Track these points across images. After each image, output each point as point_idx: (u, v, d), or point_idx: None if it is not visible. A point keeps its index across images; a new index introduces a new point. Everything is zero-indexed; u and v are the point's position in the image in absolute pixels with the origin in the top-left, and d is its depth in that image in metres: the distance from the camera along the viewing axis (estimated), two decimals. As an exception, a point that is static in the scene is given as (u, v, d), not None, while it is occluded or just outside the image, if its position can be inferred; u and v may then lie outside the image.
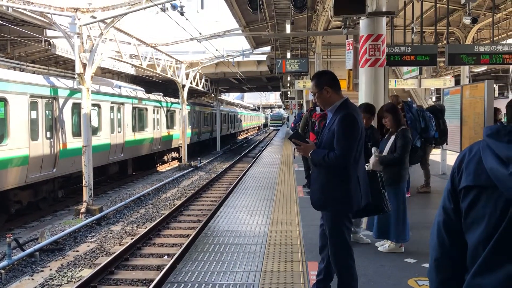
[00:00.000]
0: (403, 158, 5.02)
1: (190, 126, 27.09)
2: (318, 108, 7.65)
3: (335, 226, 3.45)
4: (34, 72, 16.37)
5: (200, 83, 27.84)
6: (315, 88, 3.56)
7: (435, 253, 1.28)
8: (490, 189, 1.11)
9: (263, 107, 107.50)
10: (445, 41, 13.90)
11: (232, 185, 15.54)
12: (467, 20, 10.63)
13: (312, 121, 8.30)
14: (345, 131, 3.31)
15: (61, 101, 13.04)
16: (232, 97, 69.90)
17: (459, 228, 1.21)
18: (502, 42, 15.51)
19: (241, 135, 59.44)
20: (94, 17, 12.05)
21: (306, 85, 19.90)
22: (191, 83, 24.44)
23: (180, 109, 24.06)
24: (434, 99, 28.21)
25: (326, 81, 3.53)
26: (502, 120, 8.82)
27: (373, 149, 5.16)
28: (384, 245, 5.35)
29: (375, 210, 4.02)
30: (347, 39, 9.52)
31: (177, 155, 26.10)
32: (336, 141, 3.32)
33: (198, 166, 22.83)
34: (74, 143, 13.47)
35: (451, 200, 1.23)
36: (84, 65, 11.96)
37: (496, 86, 24.51)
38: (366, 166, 3.97)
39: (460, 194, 1.19)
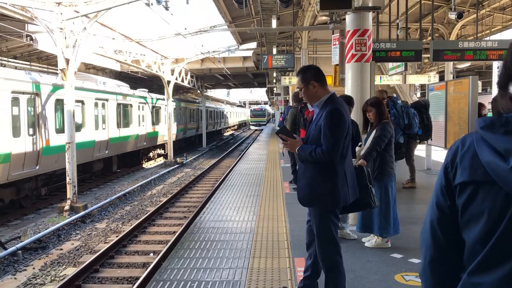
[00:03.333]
0: (374, 150, 4.97)
1: (175, 123, 26.92)
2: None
3: (322, 222, 3.42)
4: (16, 68, 16.08)
5: (186, 79, 27.68)
6: (301, 83, 3.51)
7: (429, 253, 1.22)
8: (487, 184, 1.06)
9: (249, 104, 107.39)
10: (429, 37, 13.98)
11: (219, 182, 15.47)
12: (452, 15, 10.70)
13: (304, 117, 8.24)
14: (331, 126, 3.27)
15: (43, 97, 12.81)
16: (218, 93, 69.56)
17: (455, 225, 1.16)
18: (485, 39, 15.67)
19: (227, 131, 59.31)
20: (77, 12, 11.84)
21: (292, 81, 19.91)
22: (176, 79, 24.27)
23: (166, 105, 23.88)
24: (418, 95, 28.43)
25: (312, 75, 3.49)
26: (487, 115, 8.89)
27: (357, 148, 5.16)
28: (370, 241, 5.36)
29: (363, 206, 4.01)
30: (333, 34, 9.49)
31: (162, 151, 25.93)
32: (323, 137, 3.28)
33: (184, 162, 22.70)
34: (57, 140, 13.27)
35: (447, 196, 1.17)
36: (67, 61, 11.76)
37: (479, 82, 24.80)
38: (353, 161, 3.95)
39: (456, 190, 1.14)
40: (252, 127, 64.61)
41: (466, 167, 1.11)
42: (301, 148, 3.42)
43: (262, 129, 53.38)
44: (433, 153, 11.62)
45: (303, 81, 3.49)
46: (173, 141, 24.23)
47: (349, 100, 5.46)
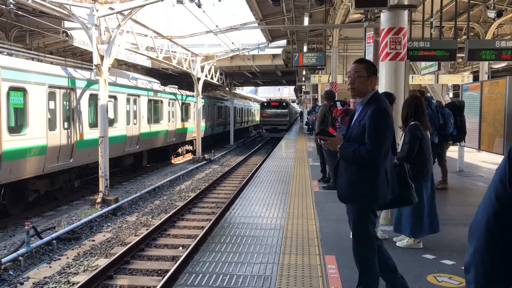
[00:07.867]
0: (410, 155, 4.89)
1: (204, 119, 27.17)
2: (339, 103, 7.58)
3: (360, 219, 3.42)
4: (52, 63, 16.52)
5: (215, 76, 27.86)
6: (364, 72, 3.42)
7: (480, 248, 1.17)
8: None
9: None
10: (464, 37, 13.68)
11: (246, 179, 15.56)
12: (491, 14, 10.44)
13: (333, 116, 8.23)
14: (377, 126, 3.26)
15: (78, 92, 13.15)
16: (246, 91, 69.54)
17: None
18: (523, 38, 15.22)
19: (255, 129, 59.32)
20: (112, 9, 12.10)
21: (321, 79, 19.79)
22: (206, 76, 24.46)
23: (195, 102, 24.12)
24: (451, 95, 27.87)
25: (375, 70, 3.50)
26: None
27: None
28: (402, 241, 5.30)
29: (402, 202, 3.97)
30: (366, 32, 9.42)
31: (191, 147, 26.22)
32: (368, 136, 3.27)
33: (212, 159, 22.90)
34: (90, 134, 13.60)
35: (509, 188, 1.12)
36: (102, 57, 12.03)
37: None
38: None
39: None
40: (265, 132, 37.34)
41: None
42: (343, 146, 3.41)
43: (281, 136, 31.43)
44: (465, 155, 11.38)
45: (368, 71, 3.44)
46: (202, 138, 24.47)
47: (390, 97, 5.24)
